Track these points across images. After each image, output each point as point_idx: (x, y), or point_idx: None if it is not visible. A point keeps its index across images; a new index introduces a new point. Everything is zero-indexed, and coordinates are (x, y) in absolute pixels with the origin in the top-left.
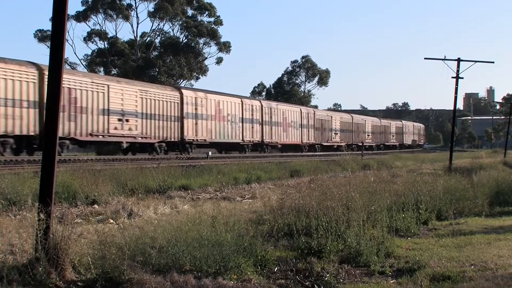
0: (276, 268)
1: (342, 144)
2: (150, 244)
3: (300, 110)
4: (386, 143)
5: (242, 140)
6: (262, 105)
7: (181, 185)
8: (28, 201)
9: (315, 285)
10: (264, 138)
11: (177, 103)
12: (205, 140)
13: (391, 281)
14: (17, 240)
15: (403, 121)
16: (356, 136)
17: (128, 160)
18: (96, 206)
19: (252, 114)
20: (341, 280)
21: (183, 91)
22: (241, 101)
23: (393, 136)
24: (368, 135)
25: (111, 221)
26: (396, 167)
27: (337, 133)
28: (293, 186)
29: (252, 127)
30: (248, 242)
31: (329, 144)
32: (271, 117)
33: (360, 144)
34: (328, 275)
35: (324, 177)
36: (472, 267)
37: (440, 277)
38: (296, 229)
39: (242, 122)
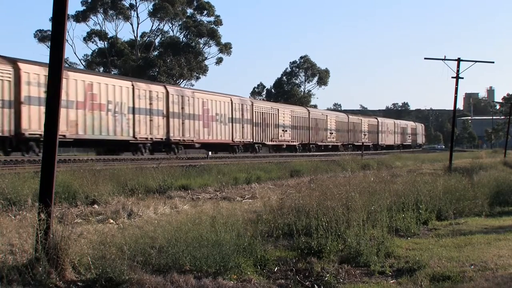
0: (276, 268)
1: (295, 143)
2: (150, 244)
3: (231, 100)
4: (356, 143)
5: (134, 137)
6: (167, 92)
7: (181, 185)
8: (28, 201)
9: (315, 285)
10: (172, 134)
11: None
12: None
13: (391, 281)
14: (17, 240)
15: (379, 118)
16: (314, 134)
17: (128, 160)
18: (96, 206)
19: (151, 104)
20: (341, 280)
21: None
22: (132, 85)
23: (364, 135)
24: (331, 133)
25: (111, 221)
26: (396, 167)
27: (285, 130)
28: (293, 186)
29: (151, 120)
30: (248, 242)
31: (275, 143)
32: (182, 108)
33: (320, 143)
34: (328, 275)
35: (324, 177)
36: (472, 267)
37: (440, 277)
38: (296, 229)
39: (134, 113)
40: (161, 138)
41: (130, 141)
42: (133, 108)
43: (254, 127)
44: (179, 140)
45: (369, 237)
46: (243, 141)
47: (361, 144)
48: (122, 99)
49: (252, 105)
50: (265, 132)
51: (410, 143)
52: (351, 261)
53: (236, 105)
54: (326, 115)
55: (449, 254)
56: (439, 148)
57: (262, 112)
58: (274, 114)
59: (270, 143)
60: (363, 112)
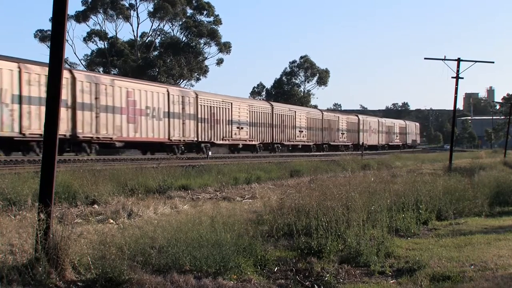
0: (276, 268)
1: (254, 143)
2: (150, 244)
3: (167, 91)
4: (332, 143)
5: (21, 133)
6: (74, 78)
7: (181, 185)
8: (28, 201)
9: (315, 285)
10: (80, 130)
11: None
12: None
13: (391, 281)
14: (17, 240)
15: (361, 116)
16: (279, 132)
17: (128, 160)
18: (96, 206)
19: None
20: (341, 280)
21: None
22: (19, 67)
23: (342, 133)
24: (301, 131)
25: (111, 221)
26: (396, 167)
27: (241, 128)
28: (293, 186)
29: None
30: (248, 242)
31: (228, 142)
32: (97, 98)
33: (287, 142)
34: (328, 275)
35: (324, 177)
36: (472, 267)
37: (440, 277)
38: (296, 229)
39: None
40: (64, 135)
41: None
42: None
43: (200, 124)
44: (91, 137)
45: (369, 237)
46: (183, 140)
47: (338, 144)
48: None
49: (197, 97)
50: (214, 129)
51: (398, 143)
52: (351, 261)
53: (174, 97)
54: (295, 111)
55: (449, 254)
56: (447, 148)
57: (211, 106)
58: (227, 109)
59: (221, 142)
60: (363, 112)
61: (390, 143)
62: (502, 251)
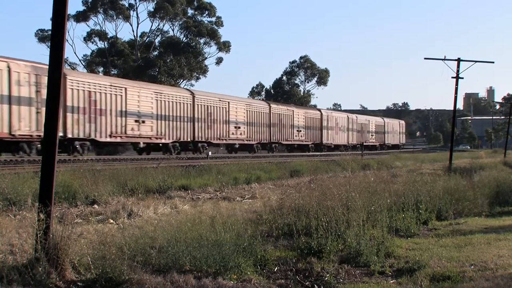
0: (276, 268)
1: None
2: (150, 244)
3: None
4: (285, 142)
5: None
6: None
7: (181, 185)
8: (28, 201)
9: (315, 285)
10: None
11: None
12: None
13: (391, 281)
14: (17, 240)
15: (324, 111)
16: (207, 127)
17: (128, 160)
18: (96, 206)
19: None
20: (341, 280)
21: None
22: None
23: (299, 131)
24: (237, 127)
25: (111, 221)
26: (396, 167)
27: (143, 120)
28: (293, 186)
29: None
30: (248, 242)
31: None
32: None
33: (218, 141)
34: (328, 275)
35: (324, 177)
36: (472, 267)
37: (440, 277)
38: (296, 229)
39: None
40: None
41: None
42: None
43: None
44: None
45: (369, 237)
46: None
47: (292, 143)
48: None
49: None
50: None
51: (374, 143)
52: (351, 261)
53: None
54: (228, 102)
55: (449, 254)
56: (463, 148)
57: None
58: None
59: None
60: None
61: (364, 143)
62: (502, 251)
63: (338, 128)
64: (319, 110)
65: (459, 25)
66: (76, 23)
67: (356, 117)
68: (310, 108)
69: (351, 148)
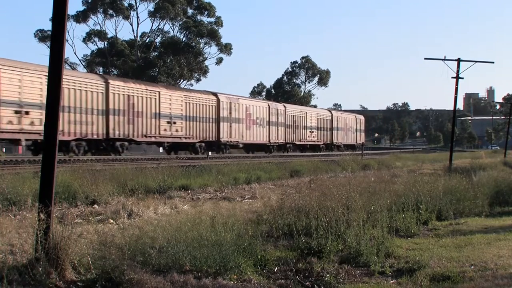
0: (276, 268)
1: (190, 140)
2: (150, 244)
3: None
4: (139, 138)
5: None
6: None
7: (181, 185)
8: (28, 201)
9: (315, 285)
10: None
11: None
12: None
13: (391, 281)
14: (17, 240)
15: (222, 95)
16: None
17: (128, 160)
18: (96, 206)
19: None
20: (341, 280)
21: None
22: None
23: (174, 122)
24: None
25: (111, 221)
26: (396, 167)
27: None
28: (293, 186)
29: None
30: (248, 242)
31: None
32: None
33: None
34: (328, 275)
35: (324, 177)
36: (472, 267)
37: (440, 277)
38: (296, 229)
39: None
40: None
41: None
42: None
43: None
44: None
45: (369, 237)
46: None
47: (151, 141)
48: None
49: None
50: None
51: (315, 143)
52: (351, 261)
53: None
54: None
55: (449, 254)
56: (493, 148)
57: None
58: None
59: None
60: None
61: (298, 142)
62: (502, 251)
63: (250, 121)
64: (216, 94)
65: (459, 25)
66: (76, 24)
67: (284, 107)
68: (201, 92)
69: (276, 148)
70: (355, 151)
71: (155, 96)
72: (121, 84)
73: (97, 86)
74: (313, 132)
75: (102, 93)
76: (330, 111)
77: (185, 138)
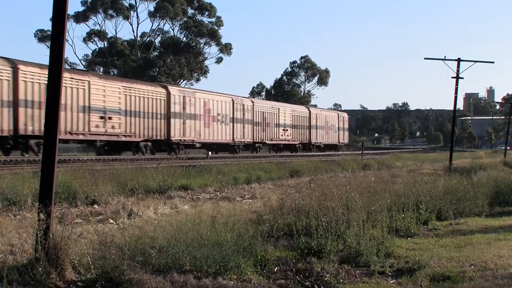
0: (276, 268)
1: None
2: (150, 244)
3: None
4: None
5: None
6: None
7: (181, 185)
8: (28, 201)
9: (315, 285)
10: None
11: None
12: None
13: (391, 281)
14: (17, 240)
15: (173, 87)
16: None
17: (128, 160)
18: (96, 206)
19: None
20: (341, 280)
21: None
22: None
23: (110, 118)
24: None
25: (111, 221)
26: (396, 167)
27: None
28: (293, 186)
29: None
30: (248, 242)
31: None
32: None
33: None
34: (328, 275)
35: (324, 177)
36: (472, 267)
37: (440, 277)
38: (296, 229)
39: None
40: None
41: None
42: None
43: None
44: None
45: (369, 237)
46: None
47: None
48: None
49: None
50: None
51: (289, 142)
52: (351, 261)
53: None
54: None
55: (449, 254)
56: (502, 147)
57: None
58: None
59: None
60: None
61: (269, 141)
62: (502, 251)
63: (210, 117)
64: (165, 86)
65: (459, 25)
66: (76, 24)
67: (252, 102)
68: (148, 84)
69: (243, 148)
70: (337, 152)
71: (84, 86)
72: (36, 71)
73: (1, 72)
74: (287, 130)
75: (8, 80)
76: (308, 108)
77: (125, 136)
